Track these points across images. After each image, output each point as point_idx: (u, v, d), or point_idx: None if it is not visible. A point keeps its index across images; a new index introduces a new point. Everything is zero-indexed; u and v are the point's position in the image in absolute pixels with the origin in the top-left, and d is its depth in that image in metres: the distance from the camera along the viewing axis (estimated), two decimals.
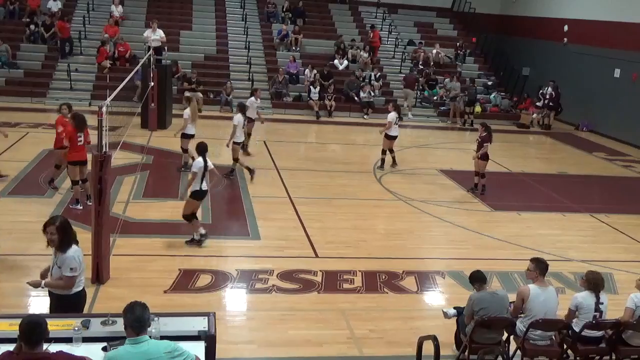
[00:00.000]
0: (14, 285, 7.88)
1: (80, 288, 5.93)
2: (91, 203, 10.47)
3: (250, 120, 14.94)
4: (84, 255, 6.79)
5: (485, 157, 13.05)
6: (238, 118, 12.98)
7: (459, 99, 22.02)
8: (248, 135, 15.07)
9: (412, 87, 22.83)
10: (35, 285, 5.86)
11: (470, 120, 21.56)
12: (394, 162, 15.02)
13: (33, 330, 4.19)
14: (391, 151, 14.93)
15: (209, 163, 9.46)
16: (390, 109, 14.90)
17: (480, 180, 13.35)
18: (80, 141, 10.50)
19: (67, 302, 5.84)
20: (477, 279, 6.58)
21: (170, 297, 7.93)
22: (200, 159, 9.39)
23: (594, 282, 6.61)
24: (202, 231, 9.60)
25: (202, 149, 9.50)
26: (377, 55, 24.45)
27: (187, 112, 13.12)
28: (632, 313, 6.56)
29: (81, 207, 10.67)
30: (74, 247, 5.80)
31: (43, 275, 5.98)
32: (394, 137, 14.77)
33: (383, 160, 14.96)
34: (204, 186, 9.45)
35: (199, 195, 9.50)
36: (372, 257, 9.73)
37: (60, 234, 5.74)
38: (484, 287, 6.59)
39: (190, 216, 9.53)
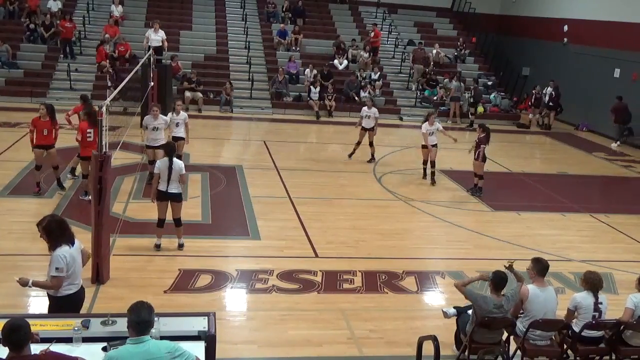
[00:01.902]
0: (13, 285, 7.84)
1: (72, 291, 5.83)
2: (86, 198, 10.65)
3: (369, 129, 15.13)
4: None
5: (482, 159, 13.00)
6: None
7: (463, 99, 22.04)
8: (370, 144, 15.31)
9: (420, 62, 23.41)
10: (23, 283, 5.78)
11: (471, 120, 21.55)
12: (432, 176, 14.06)
13: (14, 333, 4.13)
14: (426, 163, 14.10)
15: (178, 165, 9.04)
16: (432, 120, 13.90)
17: (478, 181, 13.32)
18: (90, 137, 10.53)
19: (58, 304, 5.80)
20: (495, 285, 6.36)
21: (170, 297, 7.93)
22: (164, 160, 9.07)
23: (592, 282, 6.60)
24: (158, 242, 9.35)
25: (168, 150, 9.20)
26: (378, 55, 24.44)
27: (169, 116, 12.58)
28: (632, 313, 6.55)
29: (89, 198, 10.75)
30: (64, 247, 5.74)
31: None
32: (436, 145, 13.93)
33: (425, 171, 14.13)
34: (162, 187, 9.02)
35: (158, 195, 9.16)
36: (372, 257, 9.73)
37: (45, 234, 5.76)
38: (496, 294, 6.38)
39: (158, 220, 9.24)
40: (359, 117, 15.27)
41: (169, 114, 12.84)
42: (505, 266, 6.63)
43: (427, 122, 13.76)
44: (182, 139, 12.71)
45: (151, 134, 11.87)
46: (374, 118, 15.01)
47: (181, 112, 12.78)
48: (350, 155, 15.50)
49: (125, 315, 4.43)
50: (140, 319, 4.36)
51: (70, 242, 5.84)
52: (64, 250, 5.73)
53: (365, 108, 15.06)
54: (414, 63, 23.79)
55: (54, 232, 5.75)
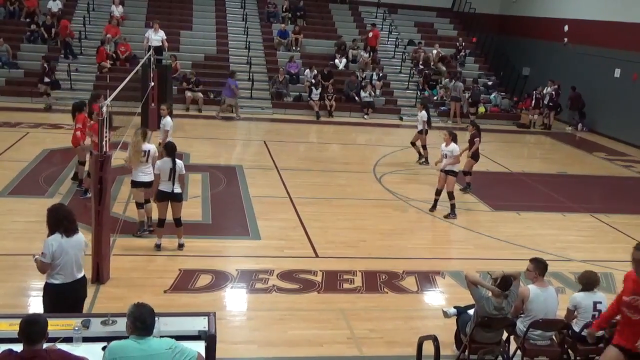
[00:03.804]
0: (13, 285, 7.89)
1: (57, 282, 5.89)
2: (88, 196, 10.63)
3: (421, 132, 15.24)
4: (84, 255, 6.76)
5: (475, 157, 12.96)
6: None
7: (463, 99, 22.06)
8: (423, 147, 15.42)
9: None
10: (33, 254, 6.03)
11: (471, 120, 21.53)
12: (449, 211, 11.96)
13: (30, 327, 4.22)
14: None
15: (178, 165, 9.04)
16: (447, 138, 11.85)
17: (465, 177, 13.29)
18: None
19: (45, 289, 5.98)
20: (498, 287, 6.35)
21: (170, 297, 7.93)
22: (166, 159, 9.03)
23: (584, 281, 6.63)
24: (158, 242, 9.34)
25: (170, 150, 9.10)
26: (377, 54, 24.44)
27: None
28: None
29: (90, 196, 10.83)
30: (56, 235, 5.86)
31: None
32: (457, 174, 11.87)
33: (435, 203, 12.04)
34: (166, 188, 9.02)
35: (158, 196, 9.14)
36: (372, 257, 9.74)
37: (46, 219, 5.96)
38: (498, 295, 6.33)
39: (158, 220, 9.26)
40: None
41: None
42: (492, 277, 6.54)
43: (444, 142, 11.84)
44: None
45: (138, 165, 9.57)
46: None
47: (167, 117, 12.38)
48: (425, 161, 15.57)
49: (126, 315, 4.44)
50: (145, 323, 4.39)
51: (65, 233, 5.89)
52: (54, 238, 5.87)
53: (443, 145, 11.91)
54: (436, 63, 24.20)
55: (49, 219, 5.95)
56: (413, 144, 15.65)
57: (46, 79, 19.45)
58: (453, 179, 11.67)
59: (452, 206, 11.70)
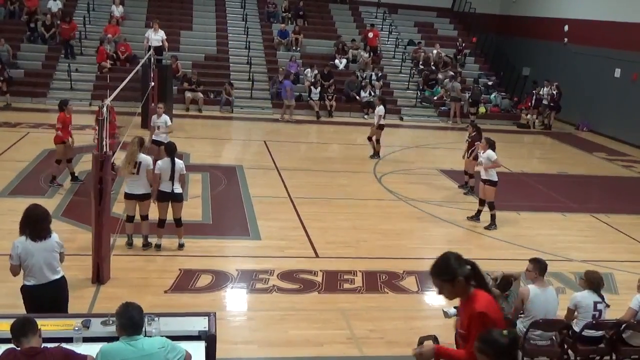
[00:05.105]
0: (13, 285, 7.85)
1: (29, 283, 5.89)
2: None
3: (379, 127, 15.44)
4: (84, 255, 6.80)
5: (475, 157, 12.99)
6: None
7: (463, 99, 22.06)
8: (377, 141, 15.63)
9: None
10: None
11: (471, 120, 21.52)
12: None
13: (19, 324, 4.33)
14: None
15: (179, 165, 9.05)
16: (483, 144, 11.71)
17: (469, 179, 13.32)
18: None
19: (21, 291, 5.98)
20: (498, 288, 6.38)
21: (171, 297, 7.93)
22: (166, 159, 9.02)
23: (596, 282, 6.62)
24: (158, 242, 9.30)
25: (170, 150, 9.09)
26: (379, 56, 24.43)
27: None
28: (634, 314, 6.55)
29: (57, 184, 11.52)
30: (21, 238, 5.85)
31: None
32: (495, 183, 11.26)
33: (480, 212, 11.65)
34: (166, 188, 8.99)
35: (159, 196, 9.09)
36: (372, 257, 9.73)
37: None
38: (497, 296, 6.37)
39: (159, 221, 9.21)
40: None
41: (153, 117, 13.02)
42: (492, 277, 6.57)
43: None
44: (163, 143, 10.97)
45: (128, 176, 9.15)
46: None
47: (163, 115, 12.73)
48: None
49: (114, 316, 4.48)
50: (133, 321, 4.41)
51: (31, 236, 5.84)
52: (19, 240, 5.86)
53: None
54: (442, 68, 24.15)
55: (21, 220, 5.92)
56: (369, 138, 15.78)
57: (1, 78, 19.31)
58: (491, 188, 11.20)
59: (492, 217, 11.35)
